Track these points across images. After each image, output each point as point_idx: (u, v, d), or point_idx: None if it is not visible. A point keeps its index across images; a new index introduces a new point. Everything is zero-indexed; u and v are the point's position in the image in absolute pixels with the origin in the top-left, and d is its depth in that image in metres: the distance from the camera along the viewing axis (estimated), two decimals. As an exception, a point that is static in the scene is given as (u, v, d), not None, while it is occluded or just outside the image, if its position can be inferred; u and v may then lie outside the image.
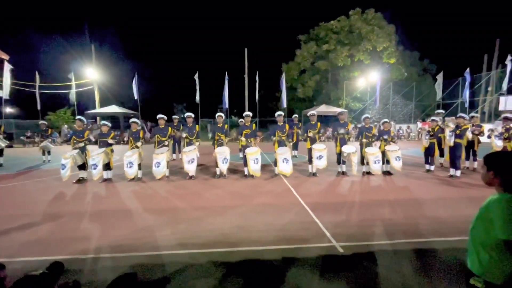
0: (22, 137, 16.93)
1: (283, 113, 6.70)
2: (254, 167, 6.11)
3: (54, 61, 24.58)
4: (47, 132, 9.61)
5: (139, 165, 6.36)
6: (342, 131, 6.62)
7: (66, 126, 19.74)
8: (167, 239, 3.16)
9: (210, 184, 5.97)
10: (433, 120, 7.33)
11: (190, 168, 6.23)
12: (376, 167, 6.33)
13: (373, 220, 3.72)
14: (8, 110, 21.31)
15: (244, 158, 6.43)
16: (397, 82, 24.17)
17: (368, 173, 6.70)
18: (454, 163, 6.40)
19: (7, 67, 16.26)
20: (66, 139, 16.41)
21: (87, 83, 20.92)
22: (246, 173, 6.55)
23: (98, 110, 19.87)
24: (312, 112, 6.96)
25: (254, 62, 22.12)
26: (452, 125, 6.54)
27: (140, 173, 6.46)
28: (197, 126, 6.86)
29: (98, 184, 6.09)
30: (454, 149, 6.41)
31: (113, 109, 19.80)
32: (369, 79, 23.00)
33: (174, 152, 9.41)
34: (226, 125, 6.73)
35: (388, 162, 6.78)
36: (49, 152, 9.50)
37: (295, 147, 10.17)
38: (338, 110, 16.65)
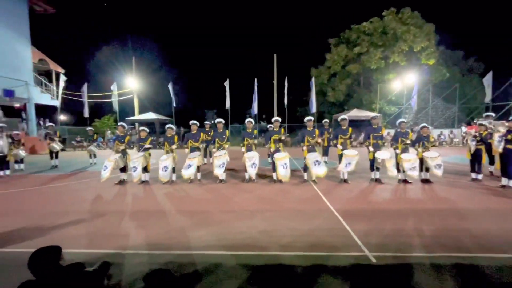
0: (73, 142, 18.83)
1: (312, 118, 6.63)
2: (282, 172, 6.10)
3: (100, 73, 27.08)
4: (93, 137, 10.60)
5: (173, 168, 6.71)
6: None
7: (109, 131, 21.52)
8: (197, 240, 3.29)
9: (239, 188, 6.09)
10: (481, 124, 6.70)
11: (220, 172, 6.42)
12: (413, 174, 5.94)
13: (409, 231, 3.50)
14: (62, 117, 23.92)
15: (273, 163, 6.46)
16: (438, 84, 22.51)
17: (405, 181, 6.31)
18: (505, 172, 5.77)
19: (62, 79, 18.32)
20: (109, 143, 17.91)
21: (128, 92, 22.68)
22: (274, 178, 6.56)
23: (137, 117, 21.39)
24: (343, 116, 6.79)
25: (283, 67, 22.20)
26: (502, 130, 5.91)
27: (174, 176, 6.81)
28: (227, 131, 7.07)
29: (136, 185, 6.54)
30: (506, 156, 5.78)
31: (150, 115, 21.18)
32: (405, 81, 21.74)
33: (205, 156, 9.76)
34: (255, 131, 6.83)
35: (427, 169, 6.32)
36: (95, 155, 10.45)
37: (325, 152, 9.95)
38: (371, 114, 15.94)
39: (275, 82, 21.76)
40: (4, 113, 16.52)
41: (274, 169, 6.49)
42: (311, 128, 6.57)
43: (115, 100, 21.21)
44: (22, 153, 8.97)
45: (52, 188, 6.57)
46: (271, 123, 7.05)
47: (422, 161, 6.24)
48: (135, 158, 6.50)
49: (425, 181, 6.36)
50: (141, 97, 24.10)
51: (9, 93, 14.39)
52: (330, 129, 10.45)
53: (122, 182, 6.75)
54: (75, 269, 1.61)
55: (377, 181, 6.42)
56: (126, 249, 3.07)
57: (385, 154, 6.14)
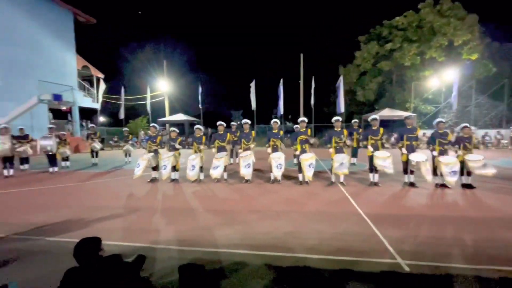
0: (110, 142, 20.26)
1: (340, 118, 6.43)
2: (308, 173, 6.00)
3: (135, 77, 28.84)
4: (128, 137, 11.30)
5: (201, 168, 6.92)
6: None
7: (142, 132, 22.81)
8: (224, 238, 3.36)
9: (264, 189, 6.10)
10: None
11: (246, 172, 6.49)
12: (452, 179, 5.49)
13: (448, 239, 3.25)
14: (101, 119, 25.90)
15: (299, 164, 6.38)
16: (482, 80, 20.60)
17: (443, 185, 5.86)
18: None
19: (102, 84, 19.83)
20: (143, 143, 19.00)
21: (159, 94, 23.87)
22: (300, 179, 6.47)
23: (167, 118, 22.42)
24: (373, 116, 6.49)
25: (309, 67, 21.85)
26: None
27: (202, 175, 7.02)
28: (253, 132, 7.12)
29: (166, 183, 6.85)
30: None
31: (180, 116, 22.10)
32: (443, 78, 20.19)
33: (231, 156, 9.92)
34: (281, 131, 6.80)
35: (469, 174, 5.81)
36: (130, 154, 11.14)
37: (354, 154, 9.60)
38: (405, 114, 15.03)
39: (301, 82, 21.48)
40: (53, 115, 18.30)
41: (300, 170, 6.41)
42: (339, 129, 6.37)
43: (148, 102, 22.45)
44: (68, 151, 9.85)
45: (92, 184, 7.13)
46: (297, 123, 6.97)
47: (462, 164, 5.75)
48: (166, 157, 6.82)
49: (467, 186, 5.85)
50: (171, 99, 25.22)
51: (57, 97, 15.91)
52: (360, 130, 10.05)
53: (153, 180, 7.11)
54: (114, 260, 1.73)
55: (411, 185, 6.04)
56: (158, 244, 3.22)
57: (420, 156, 5.76)
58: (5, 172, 8.08)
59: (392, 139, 16.07)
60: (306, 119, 6.51)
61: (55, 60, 17.37)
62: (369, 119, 6.53)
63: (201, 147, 6.89)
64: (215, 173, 6.50)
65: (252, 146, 6.88)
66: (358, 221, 3.91)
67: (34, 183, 7.25)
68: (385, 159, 5.89)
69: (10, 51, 14.72)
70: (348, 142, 6.33)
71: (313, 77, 19.91)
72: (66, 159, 9.93)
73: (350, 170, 6.52)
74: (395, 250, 2.95)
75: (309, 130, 6.56)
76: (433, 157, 5.98)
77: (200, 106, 21.11)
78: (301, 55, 21.34)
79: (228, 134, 7.19)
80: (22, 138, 8.75)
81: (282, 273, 2.53)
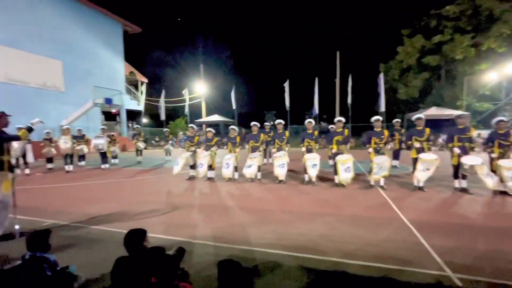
0: (152, 141, 21.76)
1: (381, 118, 6.06)
2: (344, 176, 5.77)
3: (174, 81, 30.57)
4: (168, 137, 12.03)
5: (236, 167, 7.08)
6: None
7: (181, 132, 24.06)
8: (258, 237, 3.39)
9: (298, 190, 6.02)
10: None
11: (280, 173, 6.46)
12: (516, 185, 4.83)
13: (510, 254, 2.86)
14: (144, 120, 28.01)
15: (334, 165, 6.16)
16: (554, 72, 17.74)
17: (503, 192, 5.18)
18: None
19: (145, 88, 21.41)
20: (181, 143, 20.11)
21: (197, 96, 24.97)
22: (336, 181, 6.25)
23: (204, 119, 23.35)
24: (418, 115, 6.00)
25: (346, 65, 21.00)
26: None
27: (237, 174, 7.18)
28: (286, 132, 7.07)
29: (203, 181, 7.14)
30: None
31: (215, 117, 22.86)
32: (504, 71, 17.85)
33: (265, 156, 9.97)
34: (316, 132, 6.65)
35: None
36: (170, 153, 11.85)
37: (396, 156, 8.97)
38: (456, 112, 13.60)
39: (337, 80, 20.76)
40: (105, 117, 20.26)
41: (335, 172, 6.19)
42: (380, 129, 6.01)
43: (186, 104, 23.64)
44: (117, 150, 10.83)
45: (137, 181, 7.73)
46: (333, 123, 6.75)
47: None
48: (203, 157, 7.11)
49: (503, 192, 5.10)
50: (208, 101, 26.21)
51: (108, 101, 17.62)
52: (402, 130, 9.36)
53: (191, 178, 7.47)
54: (157, 252, 1.87)
55: (463, 190, 5.45)
56: (195, 239, 3.38)
57: (474, 160, 5.16)
58: (66, 167, 9.17)
59: (440, 141, 14.66)
60: (343, 119, 6.27)
61: (107, 67, 19.22)
62: (414, 118, 6.06)
63: (237, 150, 7.04)
64: (249, 172, 6.60)
65: (286, 147, 6.83)
66: (400, 228, 3.65)
67: (89, 178, 8.11)
68: (431, 163, 5.40)
69: (71, 62, 16.67)
70: (389, 146, 5.94)
71: (350, 75, 19.09)
72: (115, 157, 10.92)
73: (392, 174, 6.11)
74: (444, 261, 2.69)
75: (346, 131, 6.30)
76: (491, 160, 5.32)
77: (234, 107, 21.59)
78: (337, 53, 20.63)
79: (262, 134, 7.24)
80: (80, 137, 9.84)
81: (317, 277, 2.48)
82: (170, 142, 12.03)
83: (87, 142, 10.06)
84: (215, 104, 28.83)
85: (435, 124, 17.66)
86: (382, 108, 17.36)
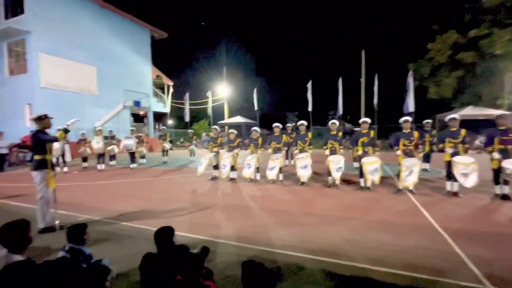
0: (177, 142, 22.52)
1: (410, 119, 5.77)
2: (371, 178, 5.55)
3: (198, 83, 31.41)
4: (193, 138, 12.37)
5: (257, 168, 7.11)
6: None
7: (204, 133, 24.64)
8: (280, 239, 3.37)
9: (321, 193, 5.90)
10: None
11: (303, 174, 6.38)
12: None
13: (561, 269, 2.58)
14: (170, 122, 29.08)
15: (360, 168, 5.96)
16: None
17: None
18: None
19: (171, 90, 22.22)
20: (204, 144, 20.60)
21: (219, 98, 25.45)
22: (361, 184, 6.04)
23: (226, 120, 23.72)
24: (453, 116, 5.62)
25: (371, 64, 20.26)
26: None
27: (258, 175, 7.20)
28: (309, 133, 6.97)
29: (225, 182, 7.25)
30: None
31: (237, 119, 23.13)
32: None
33: (287, 158, 9.90)
34: (340, 133, 6.48)
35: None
36: (194, 154, 12.18)
37: (426, 159, 8.47)
38: (496, 112, 12.55)
39: (362, 80, 20.09)
40: (133, 119, 21.30)
41: (361, 174, 5.99)
42: (408, 130, 5.72)
43: (209, 106, 24.18)
44: (144, 150, 11.35)
45: (163, 180, 8.04)
46: (358, 124, 6.54)
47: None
48: (225, 157, 7.22)
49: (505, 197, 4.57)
50: (230, 102, 26.61)
51: (137, 103, 18.53)
52: (433, 131, 8.81)
53: (214, 178, 7.61)
54: (182, 250, 1.93)
55: (505, 197, 5.00)
56: (218, 238, 3.43)
57: (518, 164, 4.72)
58: (99, 166, 9.77)
59: (477, 143, 13.61)
60: (368, 120, 6.06)
61: (136, 72, 20.23)
62: (447, 119, 5.68)
63: (259, 152, 7.07)
64: (271, 174, 6.59)
65: (309, 149, 6.72)
66: (432, 235, 3.44)
67: (119, 177, 8.57)
68: (467, 166, 5.03)
69: (104, 67, 17.77)
70: (420, 153, 5.64)
71: (376, 74, 18.39)
72: (143, 157, 11.45)
73: (422, 177, 5.78)
74: (482, 273, 2.49)
75: (372, 132, 6.07)
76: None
77: (255, 108, 21.70)
78: (363, 51, 19.97)
79: (284, 135, 7.20)
80: (111, 138, 10.45)
81: (342, 282, 2.41)
82: (194, 143, 12.37)
83: (118, 142, 10.64)
84: (237, 105, 29.18)
85: (471, 125, 16.45)
86: (411, 108, 16.49)
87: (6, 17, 14.86)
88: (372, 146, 6.07)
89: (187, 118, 23.50)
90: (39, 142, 3.78)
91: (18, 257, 1.79)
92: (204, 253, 2.01)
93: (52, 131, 4.13)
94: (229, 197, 5.81)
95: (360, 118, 6.54)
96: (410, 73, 17.15)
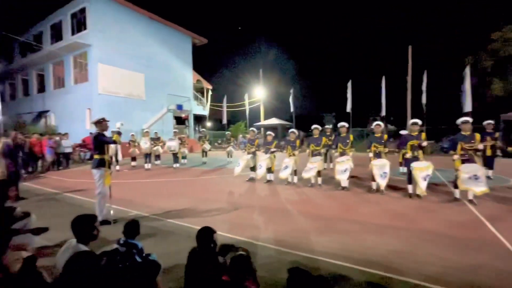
0: (215, 144, 23.32)
1: (470, 119, 5.13)
2: (423, 185, 5.05)
3: (235, 86, 32.19)
4: (230, 140, 12.69)
5: (295, 171, 6.99)
6: None
7: (241, 135, 25.13)
8: (321, 245, 3.24)
9: (364, 198, 5.56)
10: None
11: (343, 178, 6.09)
12: None
13: None
14: (208, 124, 30.30)
15: (409, 173, 5.48)
16: None
17: None
18: None
19: (210, 94, 23.13)
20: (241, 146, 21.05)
21: (256, 101, 25.74)
22: (410, 191, 5.54)
23: (262, 122, 23.87)
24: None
25: (420, 60, 18.64)
26: None
27: (296, 178, 7.08)
28: (350, 136, 6.63)
29: (262, 183, 7.26)
30: None
31: (273, 121, 23.15)
32: None
33: (325, 161, 9.57)
34: (385, 135, 6.05)
35: None
36: (231, 155, 12.48)
37: (488, 164, 7.45)
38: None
39: (409, 78, 18.56)
40: (176, 121, 22.65)
41: (409, 180, 5.51)
42: (468, 132, 5.09)
43: (246, 108, 24.61)
44: (186, 151, 11.96)
45: (203, 180, 8.37)
46: (401, 126, 6.03)
47: None
48: (262, 159, 7.24)
49: None
50: (266, 104, 26.73)
51: (179, 107, 19.70)
52: (496, 134, 7.71)
53: (251, 179, 7.68)
54: (227, 250, 1.95)
55: None
56: (257, 241, 3.43)
57: None
58: (145, 166, 10.55)
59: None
60: (419, 121, 5.54)
61: (178, 77, 21.51)
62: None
63: (296, 153, 6.94)
64: (307, 175, 6.42)
65: (350, 152, 6.40)
66: (501, 254, 2.99)
67: (163, 176, 9.15)
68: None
69: (151, 74, 19.24)
70: (481, 146, 4.96)
71: (425, 71, 16.83)
72: (184, 157, 12.06)
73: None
74: None
75: (423, 134, 5.54)
76: None
77: (291, 109, 21.46)
78: (409, 47, 18.46)
79: (324, 138, 6.96)
80: (157, 139, 11.21)
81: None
82: (231, 144, 12.67)
83: (162, 143, 11.39)
84: (272, 107, 29.23)
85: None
86: (468, 107, 14.73)
87: (73, 33, 16.96)
88: (422, 149, 5.54)
89: (224, 120, 24.22)
90: (100, 143, 4.20)
91: (84, 248, 1.98)
92: (249, 255, 2.01)
93: (108, 133, 4.56)
94: (266, 199, 5.80)
95: (405, 119, 6.03)
96: (467, 68, 15.36)
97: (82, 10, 16.31)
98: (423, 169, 5.09)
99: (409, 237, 3.50)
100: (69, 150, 11.83)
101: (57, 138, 11.26)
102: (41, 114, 19.44)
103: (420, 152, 5.50)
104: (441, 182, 6.90)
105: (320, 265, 2.77)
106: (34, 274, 1.82)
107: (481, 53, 19.95)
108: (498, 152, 7.92)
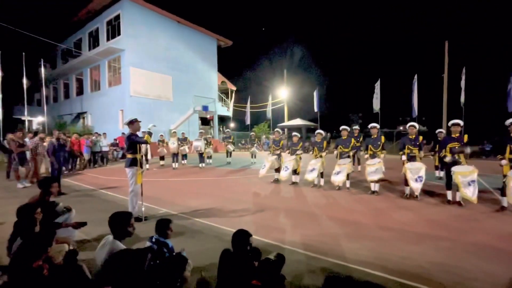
0: (239, 144, 23.53)
1: (520, 120, 4.63)
2: (467, 192, 4.62)
3: (258, 87, 32.25)
4: (254, 141, 12.72)
5: (321, 173, 6.80)
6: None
7: (264, 136, 25.12)
8: (352, 252, 3.09)
9: (397, 204, 5.24)
10: None
11: (373, 179, 5.80)
12: None
13: None
14: (232, 125, 30.71)
15: (448, 178, 5.08)
16: None
17: None
18: None
19: (234, 95, 23.41)
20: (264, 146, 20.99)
21: (279, 101, 25.58)
22: (449, 198, 5.14)
23: (286, 123, 23.65)
24: None
25: (457, 56, 17.32)
26: None
27: (322, 181, 6.88)
28: (382, 137, 6.30)
29: (287, 185, 7.16)
30: None
31: (297, 121, 22.83)
32: None
33: (354, 163, 9.20)
34: (420, 137, 5.67)
35: None
36: (255, 156, 12.50)
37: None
38: None
39: (445, 75, 17.35)
40: (201, 122, 23.22)
41: (448, 186, 5.11)
42: (518, 135, 4.59)
43: (269, 109, 24.57)
44: (211, 151, 12.18)
45: (228, 180, 8.45)
46: (434, 127, 5.59)
47: None
48: (288, 160, 7.14)
49: None
50: (290, 104, 26.47)
51: (205, 108, 20.16)
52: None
53: (276, 180, 7.60)
54: (258, 254, 1.92)
55: None
56: (284, 244, 3.36)
57: None
58: (173, 165, 10.91)
59: None
60: (461, 122, 5.11)
61: (204, 79, 22.04)
62: None
63: (323, 154, 6.76)
64: (337, 180, 6.20)
65: (382, 154, 6.08)
66: (562, 272, 2.64)
67: (190, 175, 9.39)
68: None
69: (178, 76, 19.91)
70: None
71: (464, 68, 15.63)
72: (209, 157, 12.29)
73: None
74: None
75: (465, 136, 5.10)
76: None
77: (316, 110, 21.03)
78: (446, 42, 17.26)
79: (353, 139, 6.70)
80: (183, 140, 11.55)
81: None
82: (255, 145, 12.69)
83: (189, 143, 11.71)
84: (296, 107, 28.86)
85: None
86: (515, 107, 13.43)
87: (108, 39, 18.08)
88: (462, 153, 5.10)
89: (248, 121, 24.37)
90: (132, 143, 4.39)
91: (120, 244, 2.06)
92: (280, 261, 1.97)
93: (139, 133, 4.75)
94: (292, 201, 5.69)
95: (439, 120, 5.59)
96: (514, 64, 13.97)
97: (117, 17, 17.30)
98: (466, 174, 4.67)
99: (450, 248, 3.22)
100: (106, 149, 12.61)
101: (93, 137, 12.03)
102: (80, 115, 20.97)
103: (462, 156, 5.07)
104: (484, 188, 6.31)
105: (354, 273, 2.63)
106: (75, 267, 1.92)
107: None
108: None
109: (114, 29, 17.71)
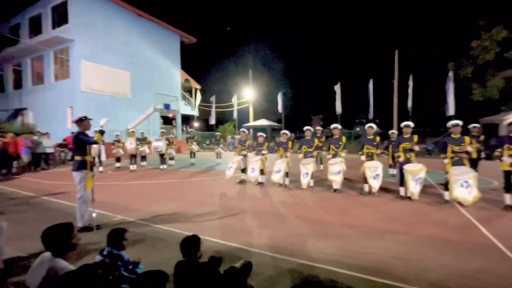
0: (203, 144, 22.90)
1: (461, 123, 5.20)
2: (415, 188, 5.06)
3: (223, 87, 31.89)
4: (220, 141, 12.44)
5: (287, 173, 6.87)
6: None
7: (229, 136, 24.83)
8: (320, 252, 3.12)
9: (357, 201, 5.51)
10: None
11: (337, 180, 6.03)
12: None
13: None
14: (196, 124, 29.78)
15: (401, 176, 5.49)
16: None
17: None
18: None
19: (198, 94, 22.71)
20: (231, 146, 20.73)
21: (245, 102, 25.55)
22: (402, 193, 5.56)
23: (252, 123, 23.69)
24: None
25: (406, 64, 19.14)
26: None
27: (287, 180, 6.95)
28: (343, 138, 6.59)
29: (254, 186, 7.09)
30: None
31: (263, 122, 23.02)
32: None
33: (316, 163, 9.51)
34: (377, 138, 6.05)
35: None
36: (220, 156, 12.22)
37: (473, 166, 7.63)
38: None
39: (395, 82, 19.02)
40: (163, 121, 22.06)
41: (401, 183, 5.52)
42: (458, 136, 5.15)
43: (235, 109, 24.37)
44: (173, 152, 11.59)
45: (192, 182, 8.09)
46: (387, 129, 6.05)
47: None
48: (254, 161, 7.07)
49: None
50: (255, 105, 26.60)
51: (167, 106, 19.14)
52: (481, 137, 7.91)
53: (242, 181, 7.49)
54: (217, 262, 1.76)
55: None
56: (251, 247, 3.25)
57: None
58: (131, 167, 10.11)
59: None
60: (411, 124, 5.57)
61: (166, 76, 20.97)
62: (507, 123, 5.04)
63: (288, 154, 6.83)
64: (305, 182, 6.32)
65: (343, 154, 6.35)
66: (497, 258, 2.97)
67: (150, 178, 8.78)
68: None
69: (137, 72, 18.62)
70: (469, 149, 5.03)
71: (411, 75, 17.32)
72: (172, 158, 11.69)
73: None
74: None
75: (415, 137, 5.56)
76: None
77: (280, 111, 21.46)
78: (396, 51, 18.94)
79: (316, 139, 6.89)
80: (143, 140, 10.79)
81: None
82: (220, 145, 12.42)
83: (149, 144, 10.97)
84: (262, 108, 29.16)
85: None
86: (451, 111, 15.30)
87: (53, 27, 16.13)
88: (414, 152, 5.57)
89: (213, 121, 23.86)
90: (81, 143, 3.89)
91: (61, 261, 1.74)
92: (247, 269, 1.84)
93: (90, 132, 4.24)
94: (259, 202, 5.63)
95: (390, 122, 6.06)
96: (450, 73, 15.90)
97: (64, 4, 15.53)
98: (416, 172, 5.10)
99: (407, 241, 3.44)
100: (50, 150, 11.18)
101: (35, 137, 10.60)
102: (18, 112, 18.36)
103: (413, 154, 5.52)
104: (430, 184, 6.98)
105: (321, 273, 2.64)
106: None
107: (462, 60, 20.75)
108: (483, 155, 8.14)
109: (61, 17, 15.88)
